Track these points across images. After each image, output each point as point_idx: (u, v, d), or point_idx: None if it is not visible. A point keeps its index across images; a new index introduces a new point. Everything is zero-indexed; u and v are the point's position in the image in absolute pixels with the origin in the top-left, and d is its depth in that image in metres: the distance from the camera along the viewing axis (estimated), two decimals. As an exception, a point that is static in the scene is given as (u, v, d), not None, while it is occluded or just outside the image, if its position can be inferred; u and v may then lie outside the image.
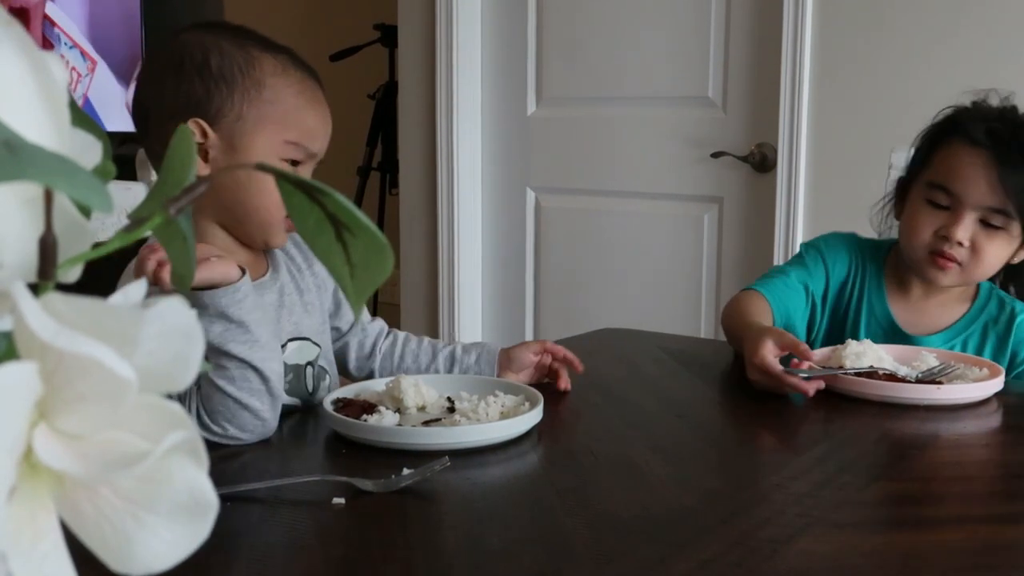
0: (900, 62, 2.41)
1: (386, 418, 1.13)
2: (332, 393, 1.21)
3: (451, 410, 1.19)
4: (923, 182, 1.50)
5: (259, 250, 1.28)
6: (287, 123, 1.20)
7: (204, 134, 1.17)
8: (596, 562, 0.82)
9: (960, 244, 1.45)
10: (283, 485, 0.95)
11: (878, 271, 1.59)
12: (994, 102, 1.51)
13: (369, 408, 1.17)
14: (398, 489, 0.95)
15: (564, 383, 1.36)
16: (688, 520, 0.90)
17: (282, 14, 4.66)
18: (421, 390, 1.20)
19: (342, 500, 0.93)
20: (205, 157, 1.18)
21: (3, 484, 0.29)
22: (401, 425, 1.13)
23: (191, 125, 1.17)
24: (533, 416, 1.15)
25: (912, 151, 1.58)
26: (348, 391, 1.23)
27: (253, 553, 0.84)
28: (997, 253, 1.46)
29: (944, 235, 1.46)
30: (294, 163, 1.22)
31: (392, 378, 1.23)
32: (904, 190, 1.57)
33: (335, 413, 1.13)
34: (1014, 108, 1.50)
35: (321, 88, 1.26)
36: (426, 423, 1.15)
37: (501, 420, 1.14)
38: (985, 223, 1.45)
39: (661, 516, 0.92)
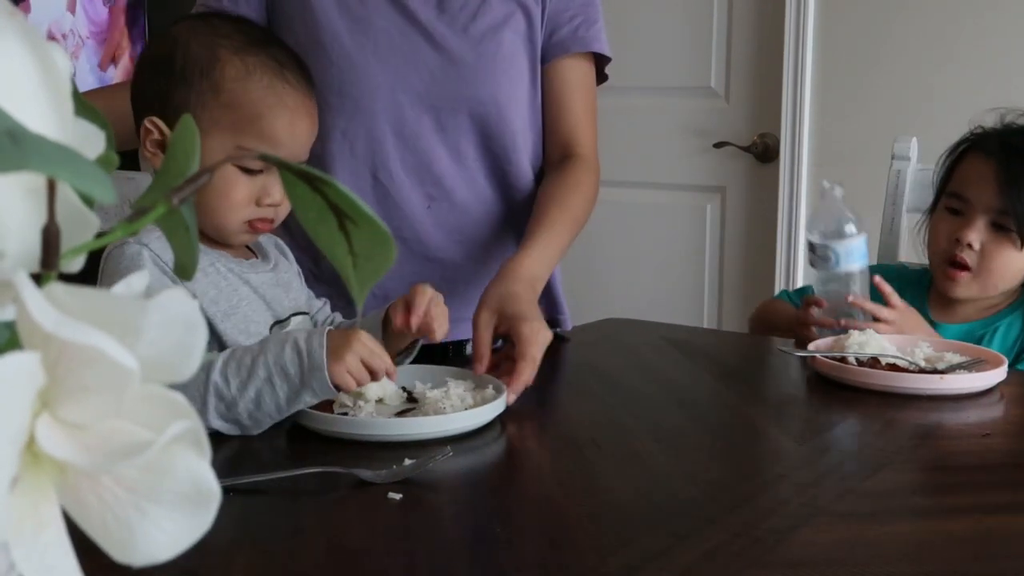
0: (903, 52, 2.41)
1: (365, 411, 1.13)
2: None
3: (411, 400, 1.18)
4: (944, 195, 1.58)
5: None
6: (243, 129, 1.18)
7: (161, 132, 1.18)
8: (599, 552, 0.82)
9: (970, 247, 1.50)
10: (285, 476, 0.95)
11: (922, 289, 1.63)
12: (1011, 118, 1.57)
13: (331, 403, 1.15)
14: (400, 480, 0.95)
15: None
16: (691, 510, 0.90)
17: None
18: (383, 382, 1.19)
19: (398, 495, 0.92)
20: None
21: (6, 474, 0.29)
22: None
23: (147, 123, 1.19)
24: (500, 403, 1.14)
25: (937, 172, 1.64)
26: None
27: (256, 544, 0.84)
28: (1009, 260, 1.51)
29: (956, 238, 1.52)
30: (250, 171, 1.18)
31: None
32: (933, 210, 1.64)
33: (326, 413, 1.11)
34: None
35: (306, 93, 1.23)
36: (400, 413, 1.14)
37: (494, 401, 1.13)
38: (997, 227, 1.50)
39: (664, 506, 0.92)
